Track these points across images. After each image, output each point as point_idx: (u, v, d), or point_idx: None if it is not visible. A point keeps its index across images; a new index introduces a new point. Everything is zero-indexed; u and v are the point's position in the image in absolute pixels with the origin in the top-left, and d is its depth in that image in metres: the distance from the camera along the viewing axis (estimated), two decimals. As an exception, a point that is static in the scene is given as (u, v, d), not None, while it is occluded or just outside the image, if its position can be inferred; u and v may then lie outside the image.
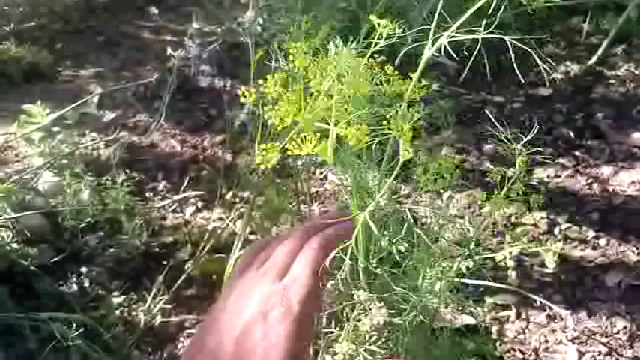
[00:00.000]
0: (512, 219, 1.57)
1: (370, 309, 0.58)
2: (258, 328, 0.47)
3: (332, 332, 0.61)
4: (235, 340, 0.47)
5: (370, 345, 0.59)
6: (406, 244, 0.95)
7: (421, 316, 0.70)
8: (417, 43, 0.62)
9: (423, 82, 0.75)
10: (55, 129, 1.87)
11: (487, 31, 0.53)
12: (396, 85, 0.59)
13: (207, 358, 0.47)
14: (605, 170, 1.76)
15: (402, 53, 0.73)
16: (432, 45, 0.57)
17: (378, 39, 0.73)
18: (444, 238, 0.80)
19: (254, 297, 0.49)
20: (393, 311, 0.70)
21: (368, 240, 0.66)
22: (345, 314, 0.60)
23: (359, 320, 0.58)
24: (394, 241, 0.81)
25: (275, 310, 0.48)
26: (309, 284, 0.50)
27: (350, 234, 0.50)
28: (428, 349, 1.00)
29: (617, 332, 1.27)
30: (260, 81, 0.50)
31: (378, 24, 0.73)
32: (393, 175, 0.55)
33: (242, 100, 0.50)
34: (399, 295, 0.64)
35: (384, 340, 0.97)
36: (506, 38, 0.54)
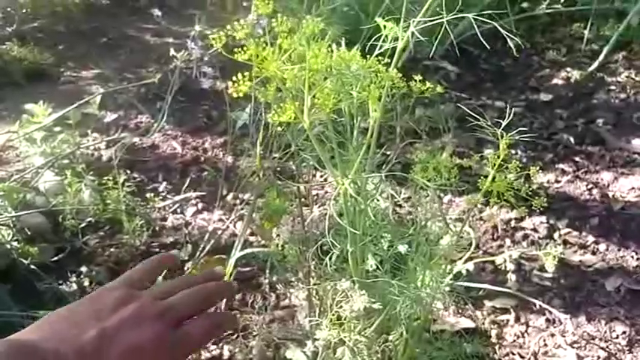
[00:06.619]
0: (512, 223, 1.57)
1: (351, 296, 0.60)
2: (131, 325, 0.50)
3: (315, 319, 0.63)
4: (102, 327, 0.49)
5: (353, 333, 0.60)
6: (406, 246, 0.95)
7: (417, 311, 0.70)
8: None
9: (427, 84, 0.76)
10: (57, 129, 1.87)
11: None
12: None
13: (72, 330, 0.48)
14: (605, 176, 1.76)
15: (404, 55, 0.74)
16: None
17: (383, 41, 0.74)
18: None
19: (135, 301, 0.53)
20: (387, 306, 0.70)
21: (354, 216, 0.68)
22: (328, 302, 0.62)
23: (340, 307, 0.60)
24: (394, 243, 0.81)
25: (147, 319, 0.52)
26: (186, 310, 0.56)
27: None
28: (427, 352, 1.00)
29: (617, 337, 1.27)
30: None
31: (384, 26, 0.73)
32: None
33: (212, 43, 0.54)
34: (397, 289, 0.65)
35: (383, 343, 0.97)
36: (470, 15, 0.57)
